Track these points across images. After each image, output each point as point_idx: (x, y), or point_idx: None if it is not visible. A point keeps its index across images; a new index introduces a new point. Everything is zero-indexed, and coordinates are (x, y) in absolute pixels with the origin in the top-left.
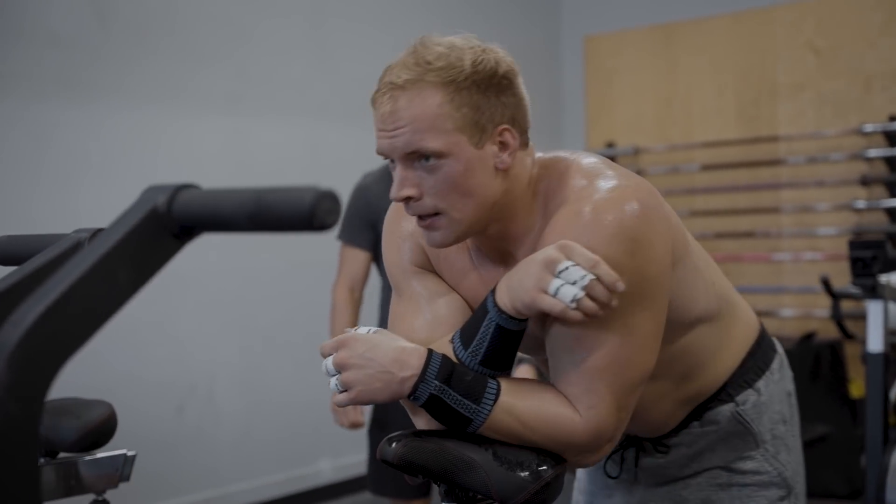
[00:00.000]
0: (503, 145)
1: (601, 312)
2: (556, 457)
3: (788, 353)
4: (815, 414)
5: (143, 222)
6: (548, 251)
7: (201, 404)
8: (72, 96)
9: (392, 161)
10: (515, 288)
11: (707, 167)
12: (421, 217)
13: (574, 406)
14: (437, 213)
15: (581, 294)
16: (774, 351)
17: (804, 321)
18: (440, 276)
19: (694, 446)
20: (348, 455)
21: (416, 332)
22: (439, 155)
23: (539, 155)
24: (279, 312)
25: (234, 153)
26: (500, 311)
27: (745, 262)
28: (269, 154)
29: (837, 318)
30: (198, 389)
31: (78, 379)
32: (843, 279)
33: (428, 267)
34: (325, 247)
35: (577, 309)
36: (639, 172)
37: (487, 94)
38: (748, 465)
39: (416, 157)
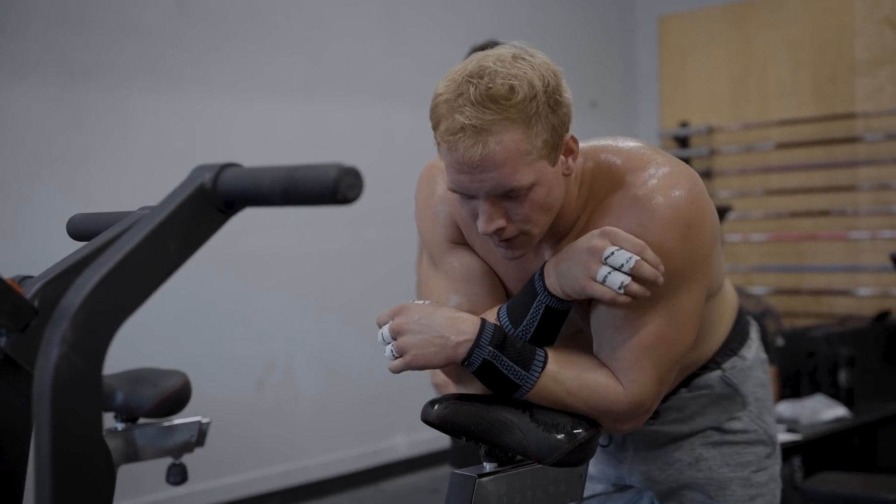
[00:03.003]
0: (569, 151)
1: (648, 294)
2: (590, 420)
3: (863, 331)
4: (890, 392)
5: (191, 198)
6: (592, 239)
7: (280, 380)
8: (155, 84)
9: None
10: (564, 274)
11: (782, 145)
12: (503, 239)
13: (617, 378)
14: (523, 233)
15: (628, 280)
16: (749, 322)
17: (881, 300)
18: (472, 247)
19: (685, 410)
20: (423, 430)
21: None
22: (528, 188)
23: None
24: (355, 291)
25: (310, 137)
26: (549, 294)
27: (820, 241)
28: (343, 138)
29: None
30: (276, 366)
31: (162, 356)
32: None
33: (461, 240)
34: (399, 227)
35: (625, 294)
36: (712, 152)
37: (556, 110)
38: (736, 424)
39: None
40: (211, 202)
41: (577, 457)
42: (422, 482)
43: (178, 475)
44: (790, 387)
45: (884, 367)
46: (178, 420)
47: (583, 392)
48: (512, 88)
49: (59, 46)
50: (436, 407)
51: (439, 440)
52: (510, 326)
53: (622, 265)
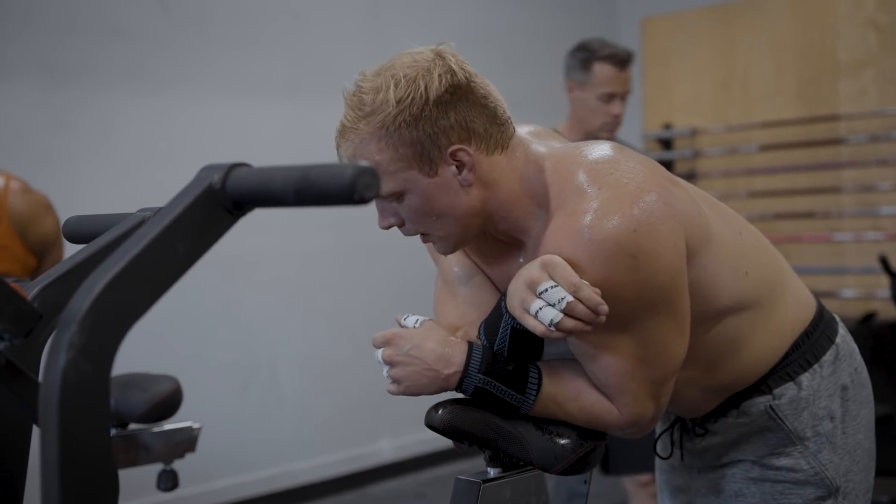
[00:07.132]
0: (460, 164)
1: (587, 328)
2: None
3: (850, 333)
4: (875, 394)
5: (199, 199)
6: (532, 270)
7: (264, 384)
8: (136, 86)
9: None
10: (508, 300)
11: (766, 147)
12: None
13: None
14: (425, 234)
15: (559, 318)
16: (831, 342)
17: (866, 302)
18: (468, 254)
19: (728, 435)
20: (408, 434)
21: (448, 316)
22: (397, 195)
23: (541, 149)
24: (340, 294)
25: (293, 140)
26: (510, 314)
27: (805, 243)
28: (327, 140)
29: None
30: (261, 370)
31: (146, 359)
32: None
33: None
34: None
35: (557, 330)
36: (696, 154)
37: (423, 126)
38: (783, 461)
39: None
40: (220, 203)
41: (581, 466)
42: (407, 486)
43: (168, 481)
44: None
45: (871, 369)
46: (168, 425)
47: (581, 414)
48: (362, 102)
49: (42, 49)
50: (440, 412)
51: (424, 444)
52: (486, 343)
53: (555, 303)
